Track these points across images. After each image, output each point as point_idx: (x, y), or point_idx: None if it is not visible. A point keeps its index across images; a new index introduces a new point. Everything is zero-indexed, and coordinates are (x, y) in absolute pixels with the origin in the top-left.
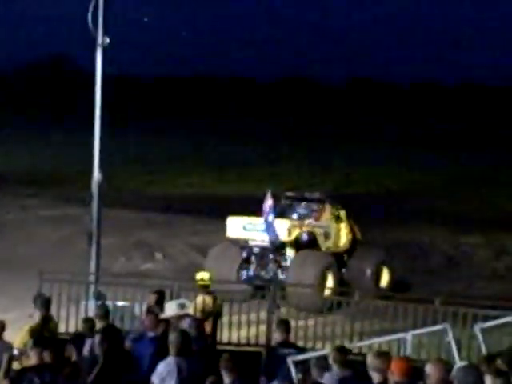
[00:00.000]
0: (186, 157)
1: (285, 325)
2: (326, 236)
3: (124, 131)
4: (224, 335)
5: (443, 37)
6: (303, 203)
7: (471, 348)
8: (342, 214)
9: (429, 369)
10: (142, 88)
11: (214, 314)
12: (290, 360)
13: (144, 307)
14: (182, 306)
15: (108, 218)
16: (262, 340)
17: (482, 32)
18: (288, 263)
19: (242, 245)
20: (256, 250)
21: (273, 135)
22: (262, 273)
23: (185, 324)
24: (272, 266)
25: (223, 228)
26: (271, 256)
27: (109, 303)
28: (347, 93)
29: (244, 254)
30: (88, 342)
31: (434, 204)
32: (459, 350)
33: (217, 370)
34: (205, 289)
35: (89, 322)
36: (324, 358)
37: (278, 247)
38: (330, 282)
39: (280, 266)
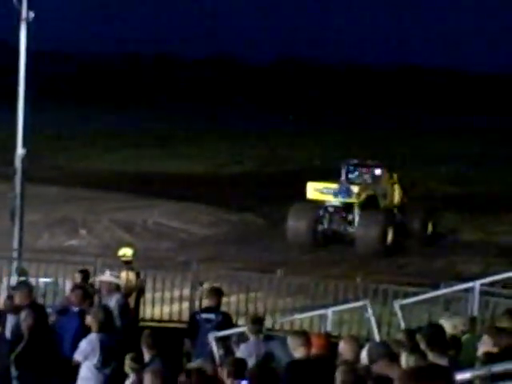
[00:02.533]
0: (111, 133)
1: (214, 292)
2: (384, 196)
3: (50, 107)
4: (147, 311)
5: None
6: (365, 169)
7: (391, 324)
8: (395, 177)
9: (341, 346)
10: (74, 64)
11: (137, 290)
12: (211, 336)
13: (68, 284)
14: (117, 277)
15: (31, 193)
16: (185, 317)
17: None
18: (356, 220)
19: (319, 204)
20: (330, 209)
21: (195, 113)
22: (335, 226)
23: (113, 299)
24: (343, 221)
25: (148, 204)
26: (343, 214)
27: (32, 279)
28: (276, 73)
29: (320, 212)
30: (10, 319)
31: None
32: (379, 326)
33: (139, 347)
34: (127, 264)
35: (10, 298)
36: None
37: (348, 207)
38: (389, 234)
39: (350, 223)
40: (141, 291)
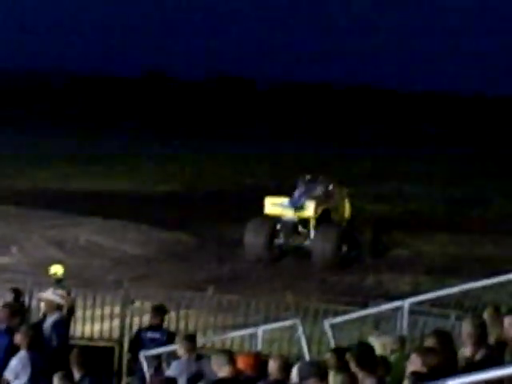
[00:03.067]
0: (39, 150)
1: (158, 309)
2: (336, 211)
3: None
4: (78, 329)
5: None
6: (319, 185)
7: (322, 343)
8: (346, 192)
9: (270, 364)
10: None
11: (68, 309)
12: (141, 355)
13: None
14: (61, 296)
15: None
16: (116, 335)
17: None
18: (313, 233)
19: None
20: (287, 223)
21: (133, 130)
22: (290, 240)
23: (53, 317)
24: (298, 235)
25: (79, 222)
26: (299, 228)
27: None
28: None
29: (277, 227)
30: None
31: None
32: (310, 344)
33: (68, 365)
34: (58, 283)
35: None
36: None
37: (305, 221)
38: (343, 248)
39: (305, 237)
40: (71, 309)
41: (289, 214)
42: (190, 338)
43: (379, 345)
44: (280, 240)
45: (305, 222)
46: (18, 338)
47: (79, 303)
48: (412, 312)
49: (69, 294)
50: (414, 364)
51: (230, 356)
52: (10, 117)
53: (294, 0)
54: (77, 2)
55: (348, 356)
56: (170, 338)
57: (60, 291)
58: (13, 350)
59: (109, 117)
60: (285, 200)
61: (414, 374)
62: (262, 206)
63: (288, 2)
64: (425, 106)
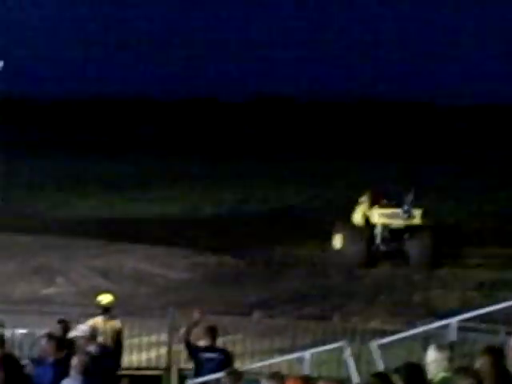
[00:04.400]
0: (82, 179)
1: (211, 331)
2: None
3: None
4: (125, 359)
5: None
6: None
7: (371, 364)
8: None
9: None
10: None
11: (116, 337)
12: (189, 383)
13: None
14: (93, 330)
15: (4, 243)
16: (163, 363)
17: None
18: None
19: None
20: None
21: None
22: (392, 246)
23: (92, 348)
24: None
25: (124, 249)
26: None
27: (7, 331)
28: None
29: (384, 234)
30: None
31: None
32: (358, 366)
33: None
34: (106, 312)
35: None
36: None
37: (410, 228)
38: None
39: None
40: (120, 338)
41: (399, 222)
42: (235, 373)
43: (431, 358)
44: (383, 246)
45: (410, 228)
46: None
47: (126, 332)
48: (461, 329)
49: (116, 322)
50: None
51: (280, 380)
52: (57, 144)
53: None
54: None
55: (396, 377)
56: (227, 357)
57: (85, 324)
58: (59, 381)
59: (147, 140)
60: (396, 210)
61: None
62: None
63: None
64: None
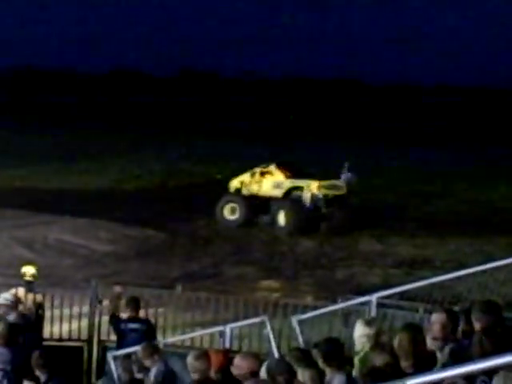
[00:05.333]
0: (6, 149)
1: (134, 302)
2: None
3: None
4: (46, 330)
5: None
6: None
7: (292, 338)
8: None
9: (237, 362)
10: None
11: (36, 309)
12: (109, 355)
13: None
14: (15, 299)
15: None
16: (84, 335)
17: None
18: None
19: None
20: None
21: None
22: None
23: (11, 317)
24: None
25: (48, 221)
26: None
27: None
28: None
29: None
30: None
31: None
32: (279, 341)
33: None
34: (28, 284)
35: None
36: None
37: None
38: None
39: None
40: (40, 310)
41: (336, 192)
42: (152, 347)
43: (358, 332)
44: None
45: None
46: None
47: (47, 303)
48: (380, 305)
49: (37, 294)
50: (371, 361)
51: (206, 358)
52: None
53: None
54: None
55: (315, 352)
56: (149, 327)
57: (9, 293)
58: None
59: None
60: (335, 181)
61: (372, 371)
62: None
63: None
64: None
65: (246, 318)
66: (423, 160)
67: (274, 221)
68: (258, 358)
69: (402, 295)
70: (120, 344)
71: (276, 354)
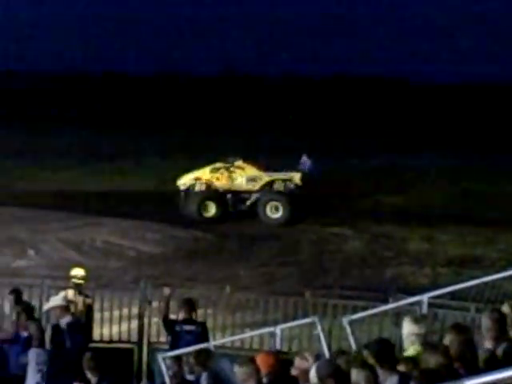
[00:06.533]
0: (56, 152)
1: (188, 304)
2: None
3: None
4: (96, 332)
5: None
6: None
7: (342, 339)
8: None
9: (296, 361)
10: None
11: (86, 312)
12: (160, 357)
13: (7, 306)
14: (67, 301)
15: None
16: (134, 337)
17: None
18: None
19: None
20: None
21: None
22: None
23: (65, 320)
24: None
25: (95, 223)
26: None
27: None
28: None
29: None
30: None
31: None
32: (330, 341)
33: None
34: (78, 287)
35: None
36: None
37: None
38: None
39: None
40: (90, 313)
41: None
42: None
43: (407, 330)
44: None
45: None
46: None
47: (97, 305)
48: (431, 305)
49: (86, 296)
50: (425, 362)
51: (253, 366)
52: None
53: None
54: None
55: (366, 353)
56: (204, 329)
57: (61, 295)
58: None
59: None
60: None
61: (426, 373)
62: None
63: None
64: None
65: (295, 318)
66: (467, 159)
67: (263, 214)
68: (318, 358)
69: (452, 295)
70: (173, 345)
71: (327, 355)
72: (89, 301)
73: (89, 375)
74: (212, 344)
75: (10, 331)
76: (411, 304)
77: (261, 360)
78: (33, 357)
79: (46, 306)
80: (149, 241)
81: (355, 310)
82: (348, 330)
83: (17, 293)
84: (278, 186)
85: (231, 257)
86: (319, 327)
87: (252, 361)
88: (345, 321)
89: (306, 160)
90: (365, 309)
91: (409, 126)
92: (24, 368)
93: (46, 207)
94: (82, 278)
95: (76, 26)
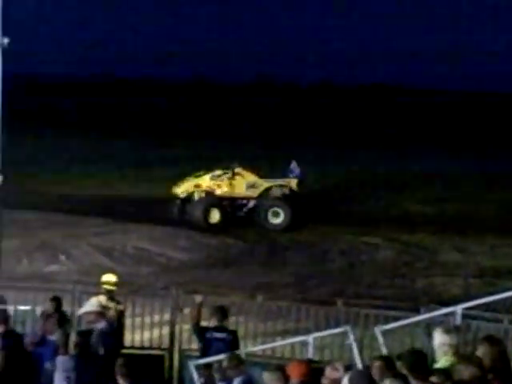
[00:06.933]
0: (86, 158)
1: (220, 311)
2: None
3: (23, 131)
4: (127, 338)
5: None
6: None
7: (374, 349)
8: None
9: (327, 372)
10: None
11: (117, 318)
12: (191, 364)
13: (38, 311)
14: (102, 307)
15: (10, 219)
16: (166, 343)
17: None
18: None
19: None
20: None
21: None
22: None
23: (99, 326)
24: None
25: (127, 229)
26: None
27: (10, 307)
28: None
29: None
30: None
31: (333, 204)
32: (361, 350)
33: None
34: (109, 293)
35: None
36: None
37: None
38: None
39: None
40: (121, 319)
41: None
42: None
43: (440, 340)
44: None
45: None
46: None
47: (128, 311)
48: (465, 316)
49: (118, 302)
50: (458, 373)
51: (281, 373)
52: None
53: None
54: None
55: (399, 364)
56: (235, 337)
57: (97, 300)
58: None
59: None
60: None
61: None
62: None
63: None
64: None
65: (326, 327)
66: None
67: (264, 220)
68: (349, 368)
69: (486, 306)
70: (204, 353)
71: (359, 365)
72: (120, 307)
73: (120, 381)
74: (243, 352)
75: (39, 334)
76: (444, 315)
77: (293, 368)
78: (60, 364)
79: (80, 311)
80: (179, 247)
81: (387, 320)
82: (380, 339)
83: (57, 301)
84: (275, 192)
85: (262, 264)
86: (352, 337)
87: (281, 369)
88: (377, 330)
89: (295, 166)
90: (397, 319)
91: (446, 131)
92: (50, 375)
93: (78, 212)
94: (114, 284)
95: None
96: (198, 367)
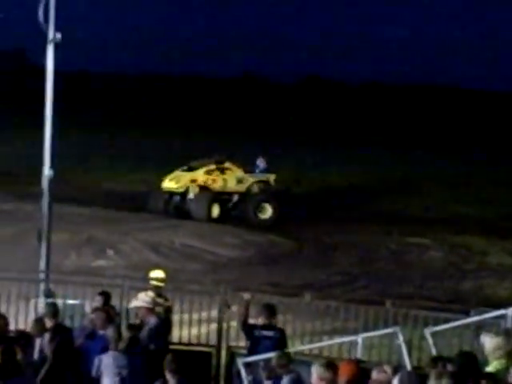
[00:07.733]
0: (136, 154)
1: (269, 309)
2: None
3: (75, 127)
4: (175, 334)
5: None
6: None
7: (422, 350)
8: None
9: (373, 374)
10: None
11: (165, 314)
12: (240, 362)
13: (87, 306)
14: (153, 301)
15: (59, 214)
16: (213, 340)
17: None
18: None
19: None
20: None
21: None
22: None
23: (150, 321)
24: None
25: (174, 225)
26: None
27: (59, 301)
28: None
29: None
30: (38, 342)
31: (380, 204)
32: (410, 351)
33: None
34: (157, 289)
35: (39, 322)
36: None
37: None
38: None
39: None
40: (169, 315)
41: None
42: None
43: (493, 344)
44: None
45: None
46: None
47: (176, 308)
48: None
49: (166, 299)
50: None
51: (335, 370)
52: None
53: None
54: None
55: (450, 366)
56: (282, 335)
57: (149, 295)
58: None
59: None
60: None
61: None
62: None
63: None
64: None
65: (375, 327)
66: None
67: (253, 215)
68: (397, 370)
69: None
70: (251, 351)
71: (409, 366)
72: (168, 303)
73: (168, 377)
74: (290, 350)
75: (89, 327)
76: (494, 318)
77: (343, 368)
78: (111, 360)
79: (132, 304)
80: (227, 244)
81: (436, 322)
82: (430, 341)
83: (106, 295)
84: (255, 188)
85: (310, 263)
86: (401, 338)
87: (332, 366)
88: (427, 332)
89: (261, 161)
90: (446, 321)
91: (489, 133)
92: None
93: (125, 208)
94: (162, 280)
95: None
96: (246, 365)
